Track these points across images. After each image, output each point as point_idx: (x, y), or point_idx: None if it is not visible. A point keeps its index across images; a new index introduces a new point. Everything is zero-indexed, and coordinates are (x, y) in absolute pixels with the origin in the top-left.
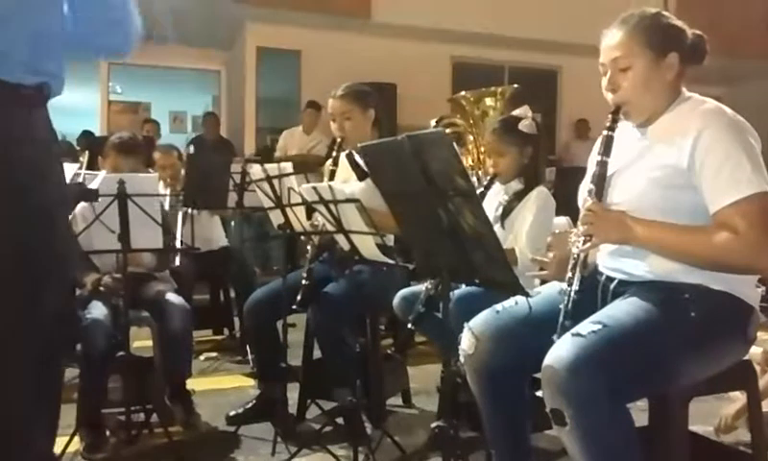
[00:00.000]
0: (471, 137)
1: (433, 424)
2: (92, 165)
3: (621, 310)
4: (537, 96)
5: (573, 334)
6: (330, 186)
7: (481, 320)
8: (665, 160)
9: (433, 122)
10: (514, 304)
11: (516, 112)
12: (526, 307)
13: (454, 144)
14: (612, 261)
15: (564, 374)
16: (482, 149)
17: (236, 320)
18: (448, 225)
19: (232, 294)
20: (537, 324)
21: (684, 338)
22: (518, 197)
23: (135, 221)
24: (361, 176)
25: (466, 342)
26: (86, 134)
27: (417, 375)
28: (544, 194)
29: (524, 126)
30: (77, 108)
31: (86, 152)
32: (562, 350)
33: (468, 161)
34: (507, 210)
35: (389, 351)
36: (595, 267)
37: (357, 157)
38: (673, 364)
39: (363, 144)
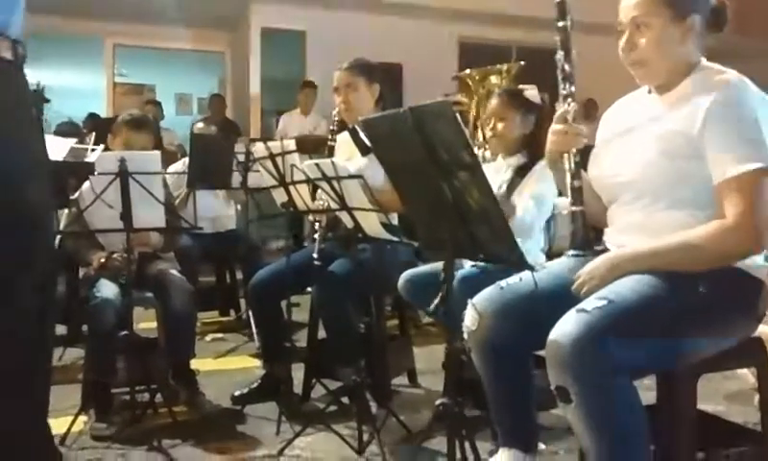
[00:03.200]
0: (476, 116)
1: (437, 402)
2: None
3: (627, 286)
4: (544, 76)
5: (578, 310)
6: (333, 163)
7: (485, 296)
8: (676, 127)
9: (440, 97)
10: (518, 281)
11: (523, 87)
12: (531, 283)
13: (458, 116)
14: (618, 236)
15: (569, 349)
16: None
17: (242, 301)
18: (452, 199)
19: (239, 275)
20: (542, 300)
21: (692, 313)
22: (521, 172)
23: (138, 200)
24: (364, 150)
25: (469, 318)
26: (92, 116)
27: (423, 354)
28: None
29: (529, 95)
30: (82, 90)
31: (93, 133)
32: (566, 325)
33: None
34: (511, 188)
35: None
36: (603, 242)
37: (360, 134)
38: (680, 340)
39: (364, 117)
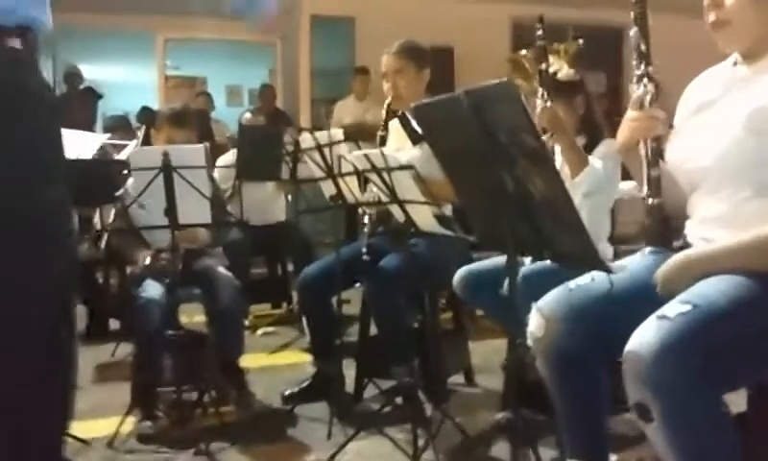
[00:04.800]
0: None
1: (499, 416)
2: (149, 140)
3: (713, 288)
4: (602, 56)
5: (659, 317)
6: (383, 153)
7: (551, 299)
8: (764, 98)
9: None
10: (589, 281)
11: (553, 69)
12: (604, 284)
13: (518, 96)
14: (701, 229)
15: (650, 362)
16: None
17: (294, 293)
18: (514, 190)
19: (290, 267)
20: (617, 303)
21: None
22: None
23: (183, 195)
24: (415, 139)
25: (534, 324)
26: (145, 110)
27: (480, 349)
28: (613, 146)
29: (562, 76)
30: (134, 85)
31: (143, 127)
32: (646, 335)
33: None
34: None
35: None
36: (684, 237)
37: (410, 119)
38: None
39: (416, 103)
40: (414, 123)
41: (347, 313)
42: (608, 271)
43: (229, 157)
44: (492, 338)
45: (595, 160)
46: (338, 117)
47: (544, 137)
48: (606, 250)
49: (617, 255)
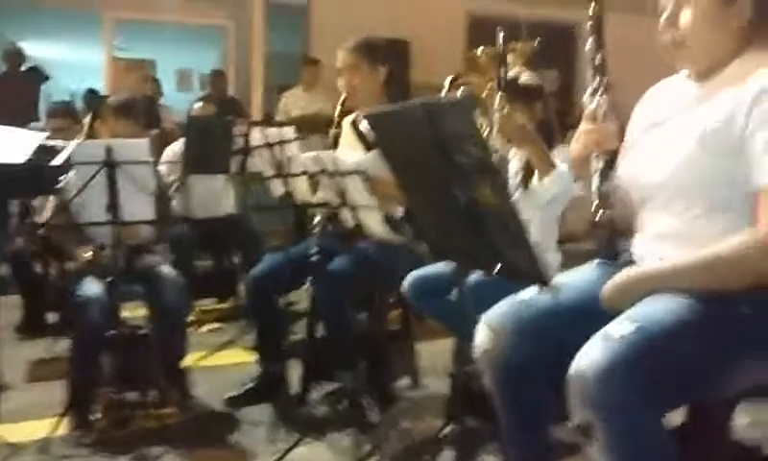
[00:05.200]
0: (489, 95)
1: (445, 431)
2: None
3: (659, 307)
4: (555, 53)
5: (604, 336)
6: (334, 157)
7: (499, 312)
8: (718, 118)
9: (447, 80)
10: (537, 294)
11: (516, 71)
12: (551, 298)
13: (474, 111)
14: (652, 245)
15: (595, 383)
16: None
17: (240, 288)
18: (464, 203)
19: (237, 261)
20: (564, 316)
21: (735, 338)
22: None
23: (126, 190)
24: (367, 146)
25: (482, 336)
26: (91, 93)
27: (425, 351)
28: (564, 176)
29: (524, 80)
30: (80, 64)
31: (89, 114)
32: (592, 355)
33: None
34: (522, 180)
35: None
36: (629, 251)
37: (362, 126)
38: (721, 369)
39: (369, 111)
40: (366, 128)
41: (294, 311)
42: (548, 287)
43: (177, 146)
44: (439, 338)
45: (561, 165)
46: (285, 107)
47: (501, 147)
48: (554, 258)
49: (566, 256)
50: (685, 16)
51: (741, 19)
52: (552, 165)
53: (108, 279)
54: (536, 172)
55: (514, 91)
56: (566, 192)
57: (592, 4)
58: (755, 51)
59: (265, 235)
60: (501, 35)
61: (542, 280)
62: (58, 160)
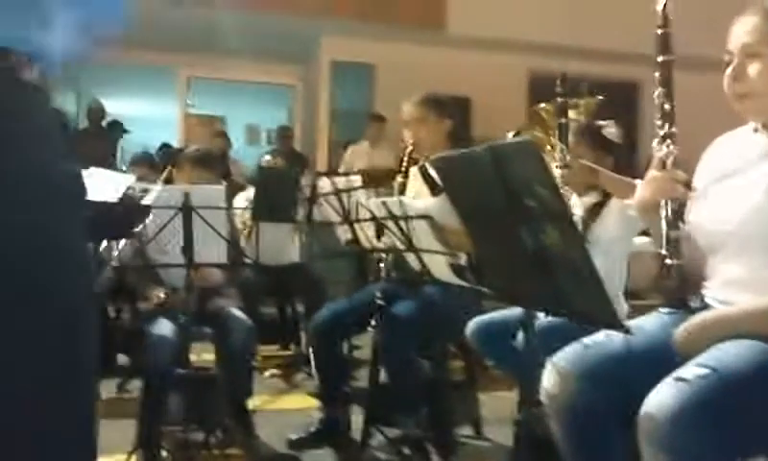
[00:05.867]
0: (551, 150)
1: None
2: (171, 178)
3: (733, 353)
4: (617, 110)
5: (677, 379)
6: (401, 201)
7: (567, 355)
8: None
9: (510, 134)
10: (605, 338)
11: (601, 123)
12: (620, 343)
13: (540, 153)
14: (722, 292)
15: (667, 425)
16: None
17: (303, 335)
18: (532, 246)
19: (301, 309)
20: (634, 362)
21: None
22: (594, 211)
23: (201, 234)
24: (434, 190)
25: (549, 380)
26: (166, 147)
27: (489, 401)
28: (625, 205)
29: (608, 133)
30: (155, 120)
31: (167, 165)
32: (663, 396)
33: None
34: (584, 227)
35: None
36: (702, 298)
37: (430, 170)
38: None
39: (437, 155)
40: (433, 173)
41: (357, 358)
42: (626, 331)
43: (248, 194)
44: (502, 390)
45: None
46: (350, 161)
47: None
48: (621, 305)
49: (632, 311)
50: (754, 69)
51: None
52: (633, 185)
53: (180, 321)
54: (598, 218)
55: (593, 137)
56: (633, 231)
57: (661, 56)
58: None
59: (329, 284)
60: (560, 83)
61: (616, 323)
62: (145, 201)
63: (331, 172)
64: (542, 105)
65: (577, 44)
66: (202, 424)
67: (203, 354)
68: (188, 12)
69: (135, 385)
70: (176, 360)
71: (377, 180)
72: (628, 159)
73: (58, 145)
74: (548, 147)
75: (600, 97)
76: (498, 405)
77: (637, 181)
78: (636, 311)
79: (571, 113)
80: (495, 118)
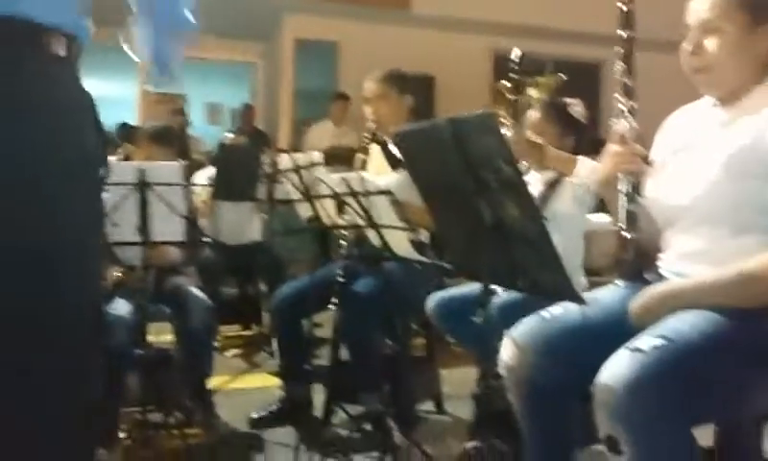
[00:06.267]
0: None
1: (468, 445)
2: (129, 157)
3: (687, 322)
4: (579, 90)
5: (632, 349)
6: (361, 177)
7: (525, 329)
8: (745, 142)
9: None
10: (563, 311)
11: (569, 101)
12: (577, 316)
13: (500, 127)
14: (677, 263)
15: (623, 394)
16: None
17: (265, 315)
18: (491, 220)
19: (263, 288)
20: (591, 334)
21: (759, 356)
22: (552, 186)
23: (158, 212)
24: (395, 165)
25: (507, 353)
26: (124, 126)
27: (451, 377)
28: (573, 184)
29: (574, 111)
30: (113, 98)
31: (124, 143)
32: (619, 367)
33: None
34: (542, 202)
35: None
36: (657, 270)
37: (391, 147)
38: (747, 386)
39: (398, 130)
40: (394, 149)
41: (318, 336)
42: (582, 303)
43: (208, 172)
44: (463, 366)
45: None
46: (313, 140)
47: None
48: (579, 280)
49: (590, 288)
50: (711, 44)
51: (763, 49)
52: (574, 159)
53: (137, 299)
54: (556, 194)
55: (558, 113)
56: (584, 208)
57: (623, 33)
58: None
59: (290, 263)
60: (518, 61)
61: (572, 295)
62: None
63: (293, 150)
64: (503, 82)
65: (541, 24)
66: (161, 405)
67: (161, 335)
68: None
69: None
70: (133, 340)
71: (340, 158)
72: (590, 139)
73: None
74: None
75: (561, 74)
76: (459, 380)
77: (580, 158)
78: (594, 288)
79: (532, 91)
80: (459, 97)
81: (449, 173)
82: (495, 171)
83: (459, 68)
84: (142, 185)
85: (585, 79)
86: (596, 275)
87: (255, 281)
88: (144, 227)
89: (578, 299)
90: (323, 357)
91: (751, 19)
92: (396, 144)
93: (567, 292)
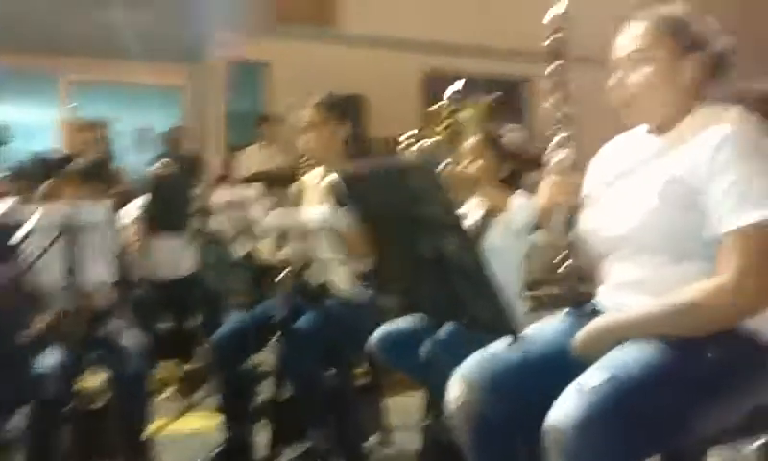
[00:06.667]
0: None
1: None
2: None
3: (630, 356)
4: (508, 108)
5: (578, 388)
6: (300, 216)
7: (472, 365)
8: (678, 172)
9: (409, 133)
10: (506, 347)
11: (507, 126)
12: (520, 351)
13: (437, 169)
14: (615, 294)
15: (572, 434)
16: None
17: (201, 348)
18: (432, 255)
19: (198, 322)
20: (536, 369)
21: (702, 385)
22: (489, 214)
23: (87, 254)
24: (341, 202)
25: (455, 390)
26: (38, 157)
27: (395, 406)
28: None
29: (511, 137)
30: (35, 126)
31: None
32: (567, 407)
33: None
34: (480, 232)
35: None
36: (597, 301)
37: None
38: (690, 416)
39: (343, 170)
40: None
41: (260, 369)
42: (518, 338)
43: (135, 206)
44: (408, 392)
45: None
46: (244, 164)
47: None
48: (518, 307)
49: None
50: (637, 76)
51: (690, 75)
52: (504, 197)
53: (68, 347)
54: (493, 223)
55: (493, 142)
56: (522, 241)
57: (557, 60)
58: (708, 106)
59: (227, 295)
60: (456, 91)
61: (511, 333)
62: (21, 233)
63: (225, 178)
64: (437, 105)
65: (469, 43)
66: (96, 459)
67: (94, 382)
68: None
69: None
70: (65, 392)
71: (271, 182)
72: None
73: None
74: (445, 147)
75: (493, 96)
76: (405, 409)
77: (515, 195)
78: (536, 302)
79: (465, 114)
80: (390, 117)
81: (393, 213)
82: (434, 209)
83: (389, 87)
84: (70, 228)
85: (512, 96)
86: (538, 286)
87: (190, 315)
88: (73, 270)
89: (514, 334)
90: (265, 392)
91: (674, 49)
92: (342, 183)
93: (505, 327)
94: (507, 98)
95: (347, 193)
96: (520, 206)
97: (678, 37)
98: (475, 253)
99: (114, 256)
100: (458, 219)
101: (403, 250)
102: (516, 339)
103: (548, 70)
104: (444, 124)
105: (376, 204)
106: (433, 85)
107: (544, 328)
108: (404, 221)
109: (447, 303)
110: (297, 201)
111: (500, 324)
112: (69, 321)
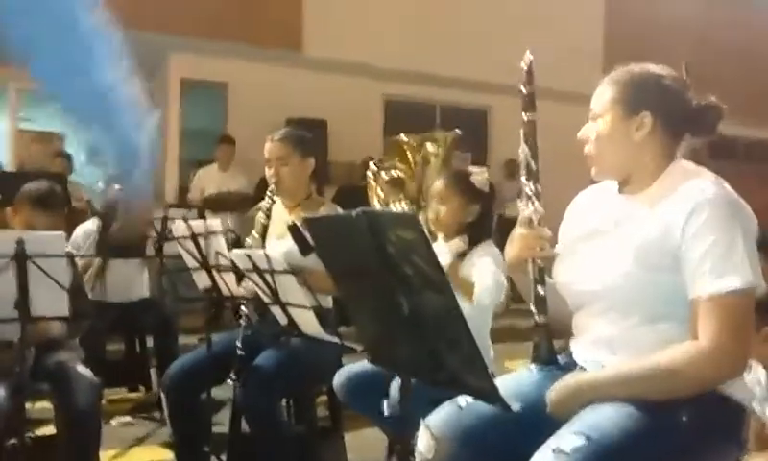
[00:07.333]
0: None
1: None
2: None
3: (606, 417)
4: (467, 136)
5: (555, 451)
6: (266, 255)
7: (442, 417)
8: (651, 235)
9: (372, 164)
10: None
11: (472, 169)
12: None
13: (424, 229)
14: (593, 351)
15: None
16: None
17: (153, 375)
18: (410, 313)
19: (150, 346)
20: (508, 424)
21: (676, 447)
22: (461, 256)
23: (38, 284)
24: (305, 250)
25: (424, 443)
26: None
27: (354, 444)
28: (492, 247)
29: (476, 180)
30: None
31: None
32: None
33: (406, 206)
34: (451, 272)
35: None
36: (570, 354)
37: (301, 229)
38: None
39: (308, 216)
40: (304, 232)
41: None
42: (506, 408)
43: (89, 225)
44: (368, 427)
45: (482, 275)
46: (200, 184)
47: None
48: (489, 355)
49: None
50: (594, 134)
51: (643, 131)
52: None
53: (14, 382)
54: (464, 266)
55: (461, 184)
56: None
57: (528, 113)
58: (678, 165)
59: (181, 319)
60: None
61: (495, 398)
62: None
63: (183, 204)
64: (402, 136)
65: (430, 72)
66: None
67: (42, 416)
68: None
69: None
70: (10, 428)
71: (226, 206)
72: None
73: None
74: (409, 178)
75: (458, 131)
76: (365, 447)
77: (478, 283)
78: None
79: (429, 147)
80: (351, 142)
81: (364, 262)
82: (414, 266)
83: (350, 112)
84: (21, 258)
85: (473, 125)
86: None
87: (143, 340)
88: (23, 301)
89: (502, 403)
90: (220, 424)
91: (625, 109)
92: (307, 230)
93: (489, 394)
94: (467, 127)
95: (311, 238)
96: (487, 288)
97: (625, 99)
98: (461, 317)
99: (67, 286)
100: (444, 277)
101: (376, 301)
102: (500, 406)
103: (523, 119)
104: (411, 156)
105: (344, 251)
106: (394, 112)
107: (515, 381)
108: (378, 272)
109: (424, 362)
110: (261, 232)
111: (486, 394)
112: (16, 352)
